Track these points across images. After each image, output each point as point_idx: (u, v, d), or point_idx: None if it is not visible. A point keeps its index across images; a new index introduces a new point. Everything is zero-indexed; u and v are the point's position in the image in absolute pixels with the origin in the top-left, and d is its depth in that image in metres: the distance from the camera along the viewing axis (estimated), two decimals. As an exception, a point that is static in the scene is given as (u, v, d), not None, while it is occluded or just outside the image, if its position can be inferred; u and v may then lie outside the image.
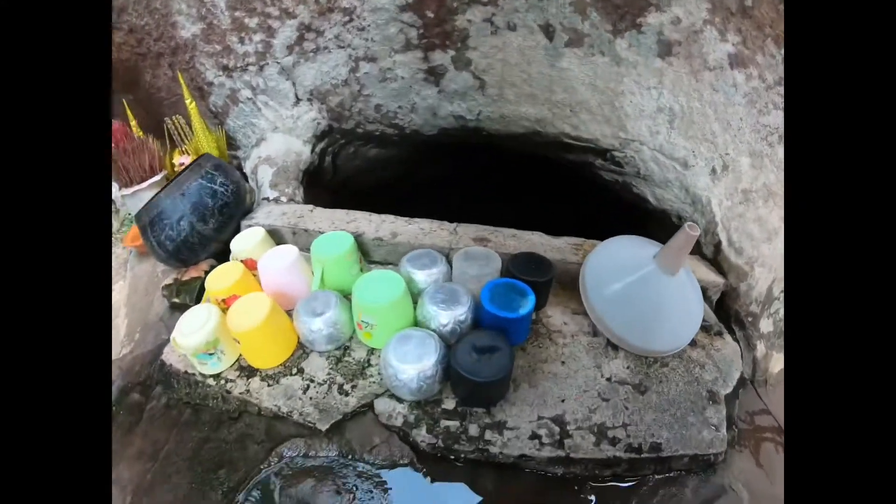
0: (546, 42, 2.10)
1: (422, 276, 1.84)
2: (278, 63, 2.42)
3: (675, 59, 1.92)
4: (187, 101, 2.46)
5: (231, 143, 2.79)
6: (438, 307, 1.63)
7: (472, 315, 1.64)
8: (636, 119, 2.14)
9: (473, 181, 4.07)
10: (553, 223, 2.43)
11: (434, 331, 1.61)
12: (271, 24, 2.27)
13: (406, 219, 2.25)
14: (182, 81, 2.43)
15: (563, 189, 3.57)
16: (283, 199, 2.59)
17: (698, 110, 1.95)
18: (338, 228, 2.19)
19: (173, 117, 2.59)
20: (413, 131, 2.68)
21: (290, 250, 1.91)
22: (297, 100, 2.59)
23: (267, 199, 2.55)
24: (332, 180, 3.02)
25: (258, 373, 1.66)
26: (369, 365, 1.67)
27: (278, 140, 2.75)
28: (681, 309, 1.65)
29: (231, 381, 1.63)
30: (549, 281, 1.80)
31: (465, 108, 2.47)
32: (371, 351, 1.73)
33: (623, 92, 2.10)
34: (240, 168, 2.84)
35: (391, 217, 2.27)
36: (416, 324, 1.70)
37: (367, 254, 2.20)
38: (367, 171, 3.18)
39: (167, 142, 2.64)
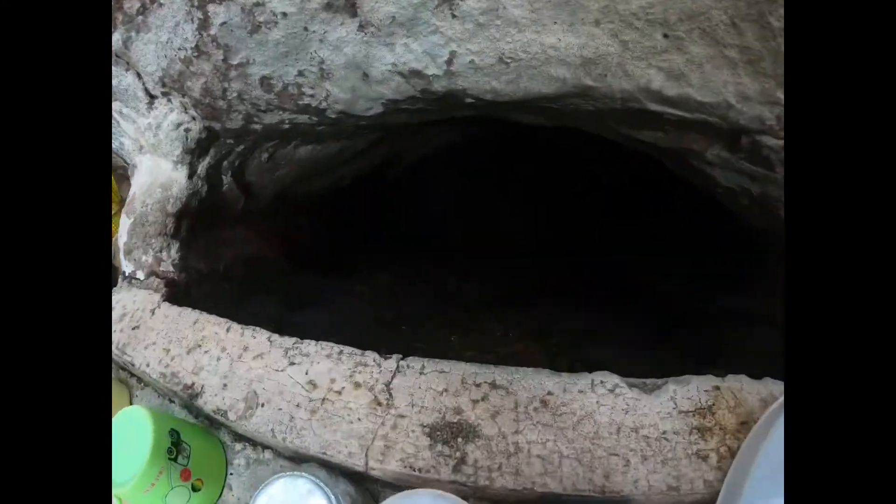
0: None
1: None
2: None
3: None
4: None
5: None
6: None
7: None
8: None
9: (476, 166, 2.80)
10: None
11: None
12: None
13: (290, 346, 1.04)
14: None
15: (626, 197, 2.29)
16: (141, 274, 1.45)
17: None
18: (174, 357, 1.04)
19: None
20: (341, 115, 1.39)
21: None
22: (150, 97, 1.46)
23: (124, 275, 1.56)
24: (249, 207, 1.78)
25: None
26: None
27: (144, 167, 1.59)
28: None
29: None
30: None
31: (420, 52, 1.14)
32: None
33: None
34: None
35: (263, 336, 1.05)
36: None
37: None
38: (309, 176, 1.92)
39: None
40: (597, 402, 0.85)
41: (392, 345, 1.60)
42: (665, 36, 0.95)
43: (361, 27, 1.12)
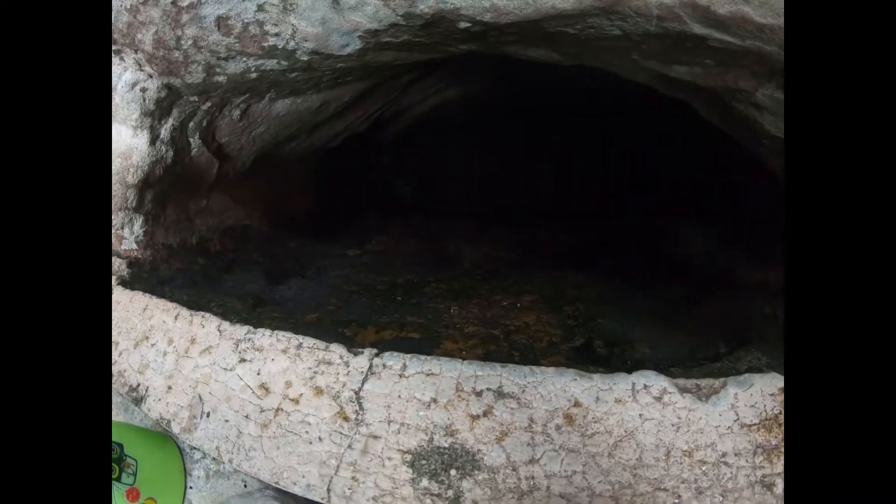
0: None
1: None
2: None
3: None
4: None
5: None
6: None
7: None
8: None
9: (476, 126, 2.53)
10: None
11: None
12: None
13: (242, 337, 0.77)
14: None
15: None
16: (103, 255, 1.17)
17: None
18: (121, 352, 0.85)
19: None
20: (313, 55, 1.11)
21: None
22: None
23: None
24: (225, 173, 1.51)
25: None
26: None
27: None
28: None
29: None
30: None
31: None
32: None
33: None
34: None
35: (212, 325, 0.80)
36: None
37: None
38: (293, 135, 1.64)
39: None
40: (640, 414, 0.60)
41: (383, 319, 1.36)
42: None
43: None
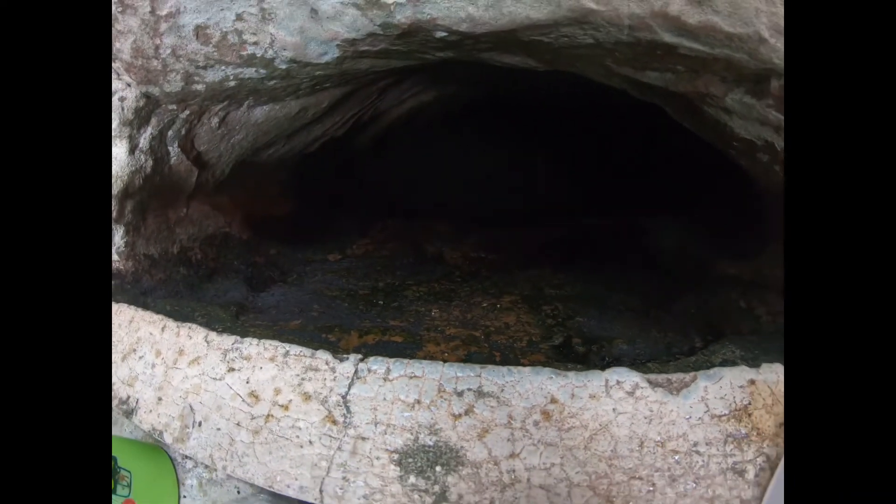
0: None
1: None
2: None
3: None
4: None
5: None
6: None
7: None
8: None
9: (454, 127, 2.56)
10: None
11: None
12: None
13: (229, 347, 0.81)
14: None
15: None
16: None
17: None
18: None
19: None
20: (292, 64, 1.14)
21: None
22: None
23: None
24: (205, 181, 1.53)
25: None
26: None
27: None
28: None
29: None
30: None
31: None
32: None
33: None
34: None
35: (199, 336, 0.83)
36: None
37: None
38: (271, 141, 1.66)
39: None
40: (613, 409, 0.64)
41: (366, 324, 1.39)
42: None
43: (302, -48, 0.87)
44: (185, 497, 0.87)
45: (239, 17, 1.02)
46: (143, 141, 1.29)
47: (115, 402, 0.86)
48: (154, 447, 0.90)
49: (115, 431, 0.97)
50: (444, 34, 0.96)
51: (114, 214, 1.27)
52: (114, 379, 0.88)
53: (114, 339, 0.94)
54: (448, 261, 2.05)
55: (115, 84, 1.20)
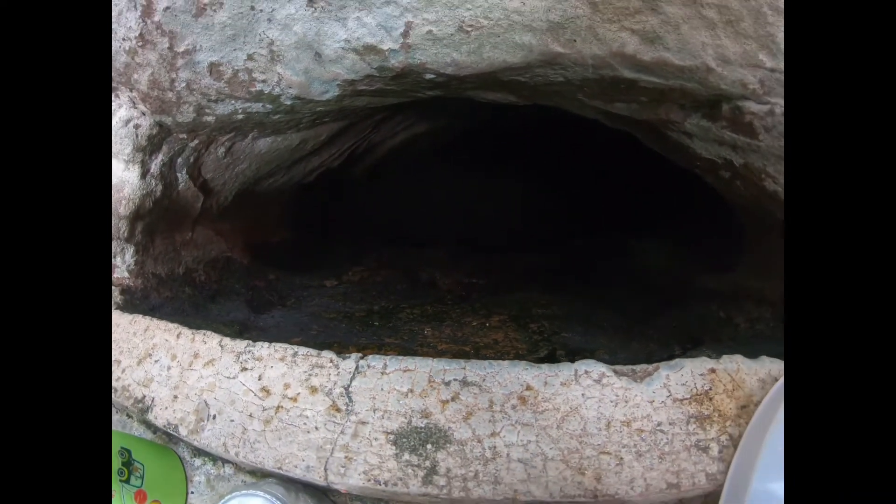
0: None
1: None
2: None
3: None
4: None
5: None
6: None
7: None
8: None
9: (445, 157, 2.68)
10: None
11: None
12: None
13: (242, 350, 0.91)
14: None
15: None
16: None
17: None
18: (124, 369, 1.01)
19: None
20: (296, 100, 1.26)
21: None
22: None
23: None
24: (209, 206, 1.63)
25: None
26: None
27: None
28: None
29: None
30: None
31: (374, 25, 1.01)
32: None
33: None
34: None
35: (213, 341, 0.93)
36: None
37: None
38: (272, 171, 1.77)
39: None
40: (582, 394, 0.74)
41: (362, 341, 1.48)
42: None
43: (311, 2, 0.99)
44: (192, 493, 0.94)
45: (250, 57, 1.14)
46: (155, 167, 1.40)
47: (130, 402, 0.94)
48: (164, 447, 0.98)
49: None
50: (432, 76, 1.09)
51: (125, 234, 1.37)
52: (129, 381, 0.97)
53: (129, 345, 1.03)
54: (441, 286, 2.15)
55: (131, 112, 1.31)
